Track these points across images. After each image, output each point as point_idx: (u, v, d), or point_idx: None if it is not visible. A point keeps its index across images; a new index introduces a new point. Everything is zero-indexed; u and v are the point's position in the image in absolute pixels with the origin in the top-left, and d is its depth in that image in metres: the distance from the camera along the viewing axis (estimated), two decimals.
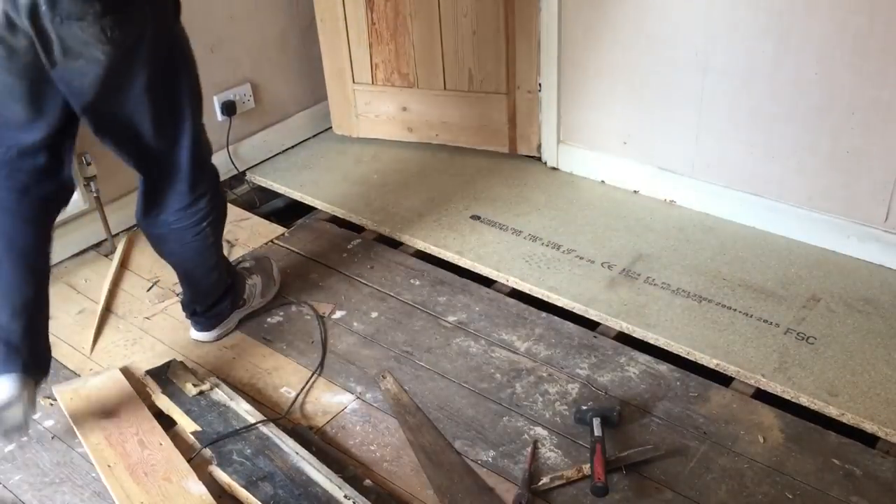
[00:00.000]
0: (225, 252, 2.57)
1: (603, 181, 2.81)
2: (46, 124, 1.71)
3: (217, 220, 2.01)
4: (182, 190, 1.89)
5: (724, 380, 2.01)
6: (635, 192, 2.74)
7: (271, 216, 2.82)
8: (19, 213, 1.76)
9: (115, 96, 1.70)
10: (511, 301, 2.31)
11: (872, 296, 2.22)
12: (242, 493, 1.73)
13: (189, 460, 1.81)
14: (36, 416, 1.98)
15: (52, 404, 2.02)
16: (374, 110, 3.06)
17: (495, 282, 2.40)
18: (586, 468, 1.75)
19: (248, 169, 3.03)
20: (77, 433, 1.90)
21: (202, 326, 2.19)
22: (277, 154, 3.11)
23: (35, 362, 1.80)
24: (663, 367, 2.05)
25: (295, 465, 1.78)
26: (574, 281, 2.34)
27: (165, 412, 1.97)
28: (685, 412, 1.92)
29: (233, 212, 2.80)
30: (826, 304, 2.20)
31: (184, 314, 2.21)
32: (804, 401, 1.92)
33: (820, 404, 1.90)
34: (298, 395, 2.03)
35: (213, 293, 2.13)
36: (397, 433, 1.91)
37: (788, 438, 1.84)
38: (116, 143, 1.82)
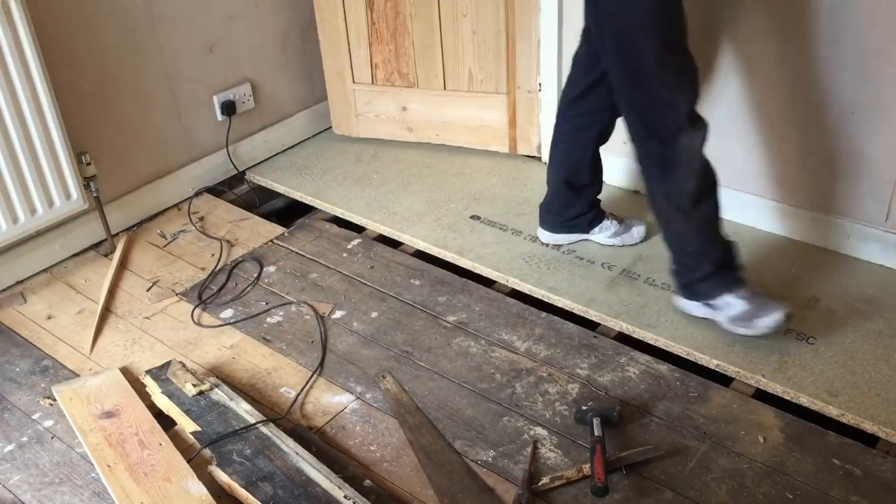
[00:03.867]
0: (223, 251, 2.57)
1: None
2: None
3: (649, 169, 2.02)
4: (626, 121, 2.04)
5: (724, 380, 2.01)
6: (635, 192, 2.74)
7: (271, 216, 2.82)
8: None
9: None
10: (511, 301, 2.31)
11: (872, 296, 2.22)
12: (242, 493, 1.73)
13: (189, 460, 1.80)
14: (36, 417, 1.99)
15: (51, 404, 2.02)
16: (374, 110, 3.06)
17: (495, 282, 2.40)
18: (586, 468, 1.75)
19: (247, 169, 3.03)
20: (77, 433, 1.90)
21: (674, 289, 2.17)
22: (277, 154, 3.12)
23: None
24: (663, 367, 2.04)
25: (295, 465, 1.78)
26: (574, 281, 2.34)
27: (165, 412, 1.97)
28: (685, 412, 1.91)
29: (233, 212, 2.80)
30: (826, 304, 2.20)
31: None
32: (804, 401, 1.92)
33: (820, 404, 1.90)
34: (298, 395, 2.03)
35: (673, 255, 2.12)
36: (397, 433, 1.91)
37: (788, 438, 1.83)
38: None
